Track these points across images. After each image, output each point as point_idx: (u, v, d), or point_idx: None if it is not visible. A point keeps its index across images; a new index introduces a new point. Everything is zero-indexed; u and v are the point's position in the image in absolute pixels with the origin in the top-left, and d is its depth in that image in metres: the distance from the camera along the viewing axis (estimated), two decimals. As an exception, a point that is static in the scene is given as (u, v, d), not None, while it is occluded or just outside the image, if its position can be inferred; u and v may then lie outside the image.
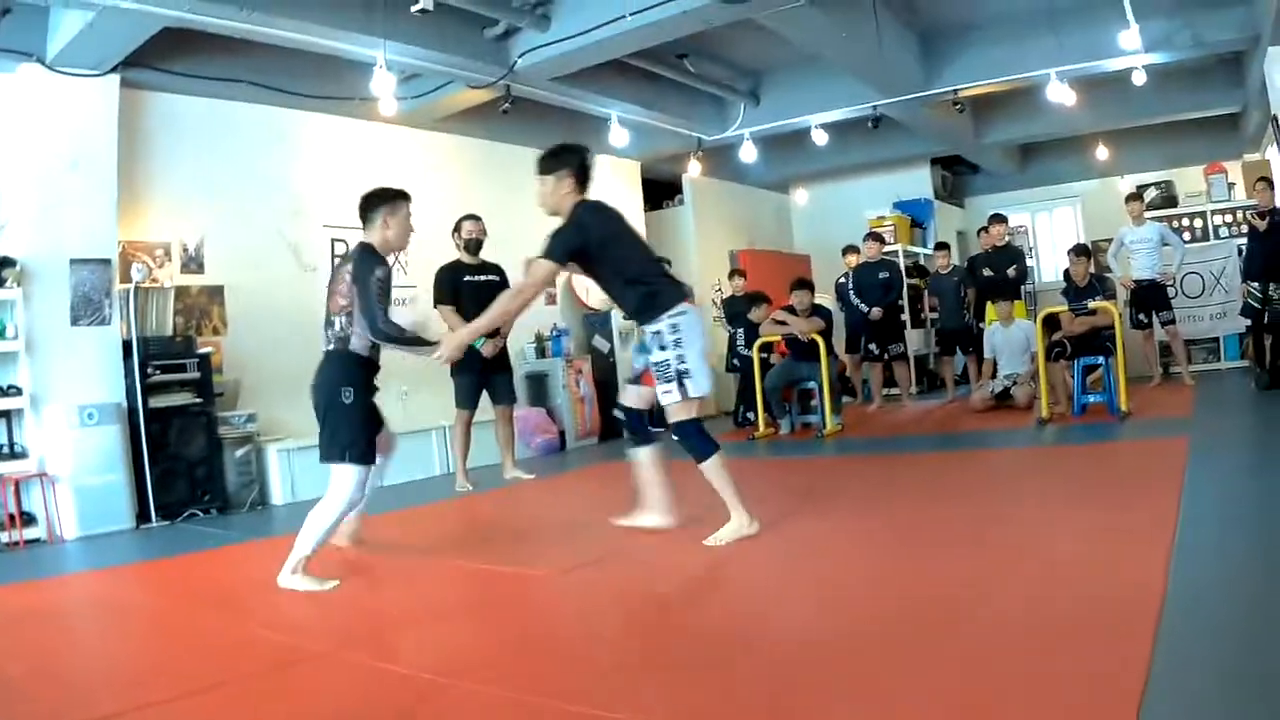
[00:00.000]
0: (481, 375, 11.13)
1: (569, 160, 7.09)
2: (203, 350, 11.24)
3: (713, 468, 6.95)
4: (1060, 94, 14.04)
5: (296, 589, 6.54)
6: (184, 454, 10.86)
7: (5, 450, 10.05)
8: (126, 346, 10.65)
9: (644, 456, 7.56)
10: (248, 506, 11.18)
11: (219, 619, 6.10)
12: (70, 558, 9.18)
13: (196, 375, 11.06)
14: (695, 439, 6.94)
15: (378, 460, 7.03)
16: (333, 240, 13.08)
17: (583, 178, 7.10)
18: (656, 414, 7.34)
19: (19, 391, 10.01)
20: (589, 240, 6.90)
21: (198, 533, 9.74)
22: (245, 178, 12.24)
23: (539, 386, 15.28)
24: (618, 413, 7.98)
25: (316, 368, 6.87)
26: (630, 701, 3.92)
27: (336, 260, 9.48)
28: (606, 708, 3.81)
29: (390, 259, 7.02)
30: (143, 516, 10.50)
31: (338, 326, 6.75)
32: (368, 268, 6.67)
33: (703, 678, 4.13)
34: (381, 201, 7.07)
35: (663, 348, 6.85)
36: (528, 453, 14.00)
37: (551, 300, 16.29)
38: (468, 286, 11.00)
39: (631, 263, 7.03)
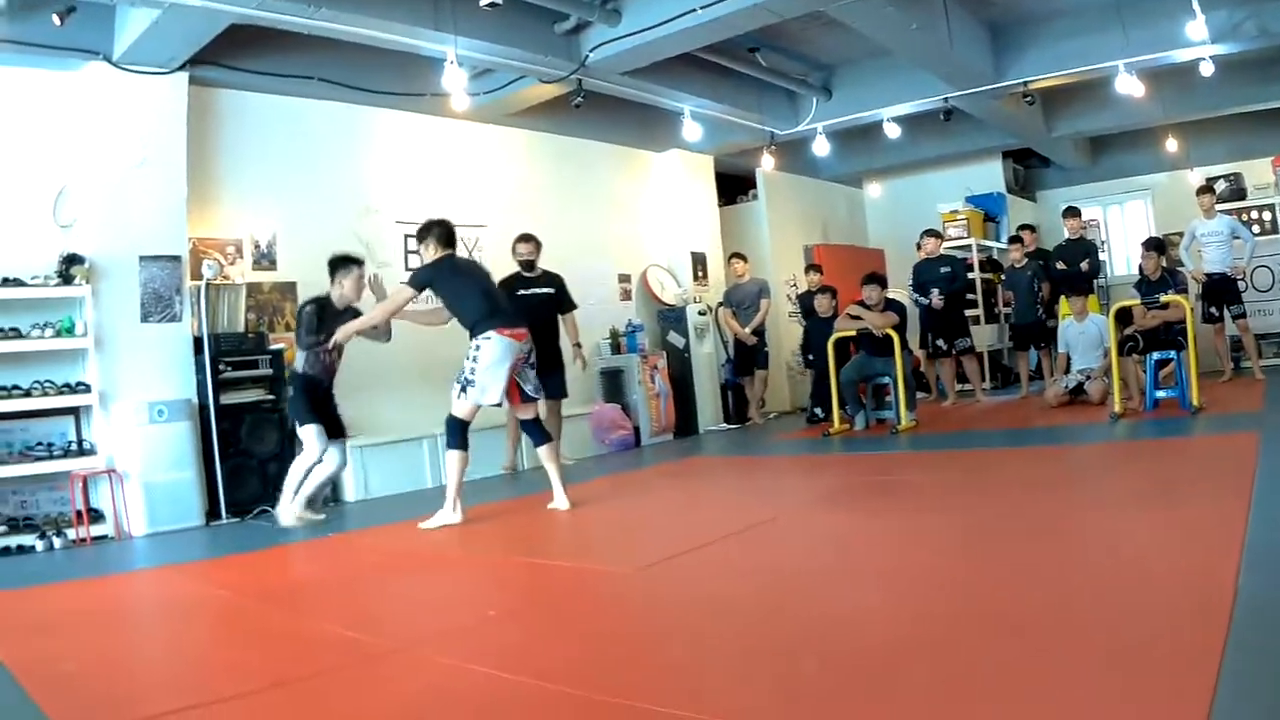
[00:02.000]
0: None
1: (431, 230, 8.92)
2: (275, 347, 10.92)
3: (450, 460, 8.65)
4: (1129, 86, 13.44)
5: (291, 522, 9.17)
6: (255, 450, 10.54)
7: (74, 447, 9.73)
8: (197, 343, 10.33)
9: (541, 454, 9.13)
10: (320, 504, 10.51)
11: (289, 616, 5.94)
12: (138, 554, 8.87)
13: (269, 372, 10.74)
14: (452, 434, 8.63)
15: (335, 454, 9.37)
16: (405, 236, 12.59)
17: (445, 240, 8.90)
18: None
19: (88, 388, 9.70)
20: (440, 274, 8.80)
21: (268, 529, 9.36)
22: (317, 174, 11.88)
23: (614, 383, 14.79)
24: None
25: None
26: (702, 700, 3.72)
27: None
28: (676, 706, 3.64)
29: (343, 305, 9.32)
30: (213, 514, 10.17)
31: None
32: (301, 308, 9.49)
33: (773, 676, 3.95)
34: (340, 265, 9.47)
35: (466, 358, 8.54)
36: (602, 449, 13.72)
37: (626, 296, 15.80)
38: (520, 300, 11.23)
39: (472, 299, 8.72)
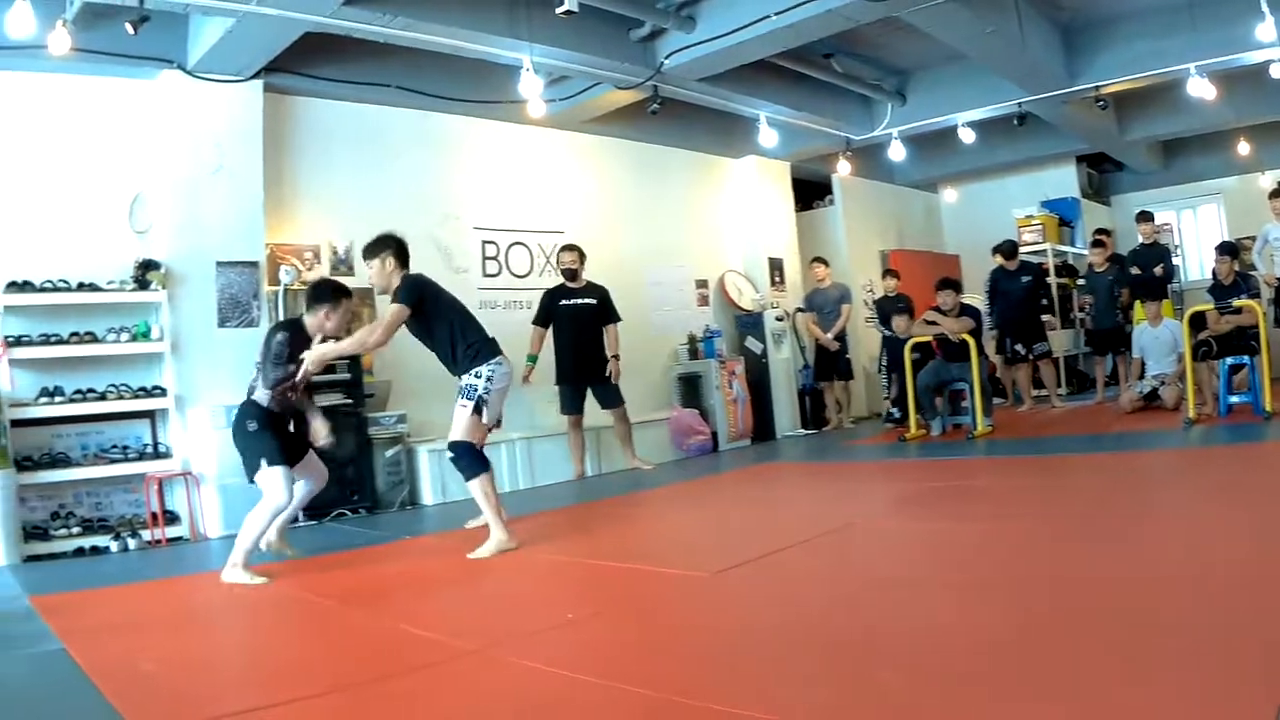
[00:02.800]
0: (579, 385, 11.71)
1: (388, 244, 7.70)
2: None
3: (478, 486, 7.40)
4: (1199, 89, 12.95)
5: (236, 582, 6.93)
6: (333, 454, 9.88)
7: (149, 450, 9.56)
8: None
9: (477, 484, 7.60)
10: (397, 506, 10.60)
11: (366, 617, 5.84)
12: (213, 556, 8.42)
13: (347, 376, 10.43)
14: (467, 459, 7.46)
15: (302, 483, 7.56)
16: (483, 243, 12.46)
17: (402, 258, 7.71)
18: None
19: (164, 392, 9.53)
20: (425, 293, 7.57)
21: (345, 532, 9.22)
22: (394, 181, 11.61)
23: (691, 388, 14.34)
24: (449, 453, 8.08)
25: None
26: (777, 704, 3.57)
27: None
28: (752, 709, 3.48)
29: (318, 338, 7.42)
30: (290, 516, 9.58)
31: (253, 379, 7.45)
32: (271, 334, 7.45)
33: (847, 680, 3.84)
34: (326, 297, 7.55)
35: (476, 377, 7.46)
36: (680, 455, 13.36)
37: (704, 302, 15.39)
38: (562, 310, 11.62)
39: (460, 323, 7.65)
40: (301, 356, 7.20)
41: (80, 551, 8.84)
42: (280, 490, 7.11)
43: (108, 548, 8.92)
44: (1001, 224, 17.62)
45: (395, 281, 7.59)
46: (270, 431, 7.21)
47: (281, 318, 9.82)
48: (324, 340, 7.43)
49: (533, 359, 11.50)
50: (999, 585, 5.11)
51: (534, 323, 11.70)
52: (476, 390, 7.40)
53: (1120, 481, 8.39)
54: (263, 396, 7.27)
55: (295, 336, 7.31)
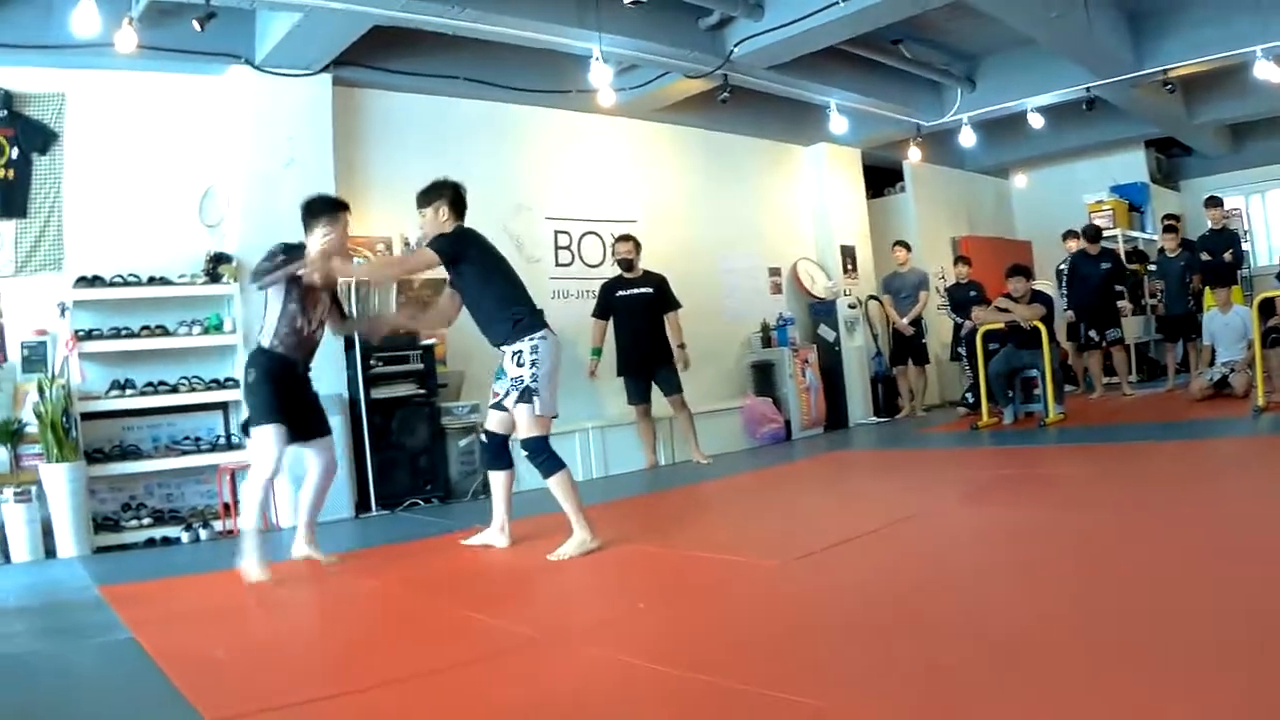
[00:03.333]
0: (642, 374, 11.32)
1: (443, 192, 7.05)
2: (426, 342, 10.39)
3: (557, 484, 6.71)
4: (1267, 71, 12.50)
5: (251, 580, 6.46)
6: (406, 444, 10.11)
7: (222, 441, 9.47)
8: (348, 339, 9.76)
9: (496, 479, 7.32)
10: (470, 496, 10.36)
11: (438, 605, 5.79)
12: (285, 546, 8.11)
13: (419, 367, 10.26)
14: (543, 455, 6.70)
15: (313, 467, 7.00)
16: (556, 232, 12.23)
17: (458, 207, 7.08)
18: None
19: (236, 384, 9.15)
20: (469, 250, 6.86)
21: (418, 521, 9.09)
22: (465, 172, 10.72)
23: (764, 376, 13.99)
24: (481, 437, 7.74)
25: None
26: (848, 693, 3.56)
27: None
28: (823, 698, 3.46)
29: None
30: (362, 506, 9.77)
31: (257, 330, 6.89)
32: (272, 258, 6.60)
33: (918, 671, 3.72)
34: (325, 210, 6.84)
35: (520, 365, 6.68)
36: (753, 443, 13.07)
37: (777, 289, 15.07)
38: (619, 301, 11.30)
39: (506, 288, 6.93)
40: (302, 274, 6.47)
41: (150, 542, 8.75)
42: (269, 452, 6.42)
43: (178, 538, 8.81)
44: (1072, 209, 17.19)
45: (448, 231, 6.92)
46: (271, 385, 6.53)
47: (354, 310, 9.64)
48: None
49: (597, 352, 11.31)
50: (1068, 575, 4.98)
51: (594, 315, 11.49)
52: (524, 382, 6.59)
53: (1189, 470, 8.16)
54: (268, 337, 6.65)
55: (294, 260, 6.51)
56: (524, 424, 6.68)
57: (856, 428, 14.38)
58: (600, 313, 11.43)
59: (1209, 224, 14.25)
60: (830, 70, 12.71)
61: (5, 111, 8.66)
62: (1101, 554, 5.33)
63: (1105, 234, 15.72)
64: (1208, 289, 13.37)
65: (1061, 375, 12.90)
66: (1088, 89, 13.78)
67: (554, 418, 6.87)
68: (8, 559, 8.10)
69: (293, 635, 5.50)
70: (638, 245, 11.38)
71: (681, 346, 11.25)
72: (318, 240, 6.59)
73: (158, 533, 8.84)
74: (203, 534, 8.85)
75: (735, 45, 11.16)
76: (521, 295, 6.95)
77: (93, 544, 8.41)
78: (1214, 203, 14.25)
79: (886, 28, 11.71)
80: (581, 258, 12.43)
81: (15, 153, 8.73)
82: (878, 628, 4.37)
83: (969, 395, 13.82)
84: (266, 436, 6.44)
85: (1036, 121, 14.76)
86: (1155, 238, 15.34)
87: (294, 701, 3.89)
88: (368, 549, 7.94)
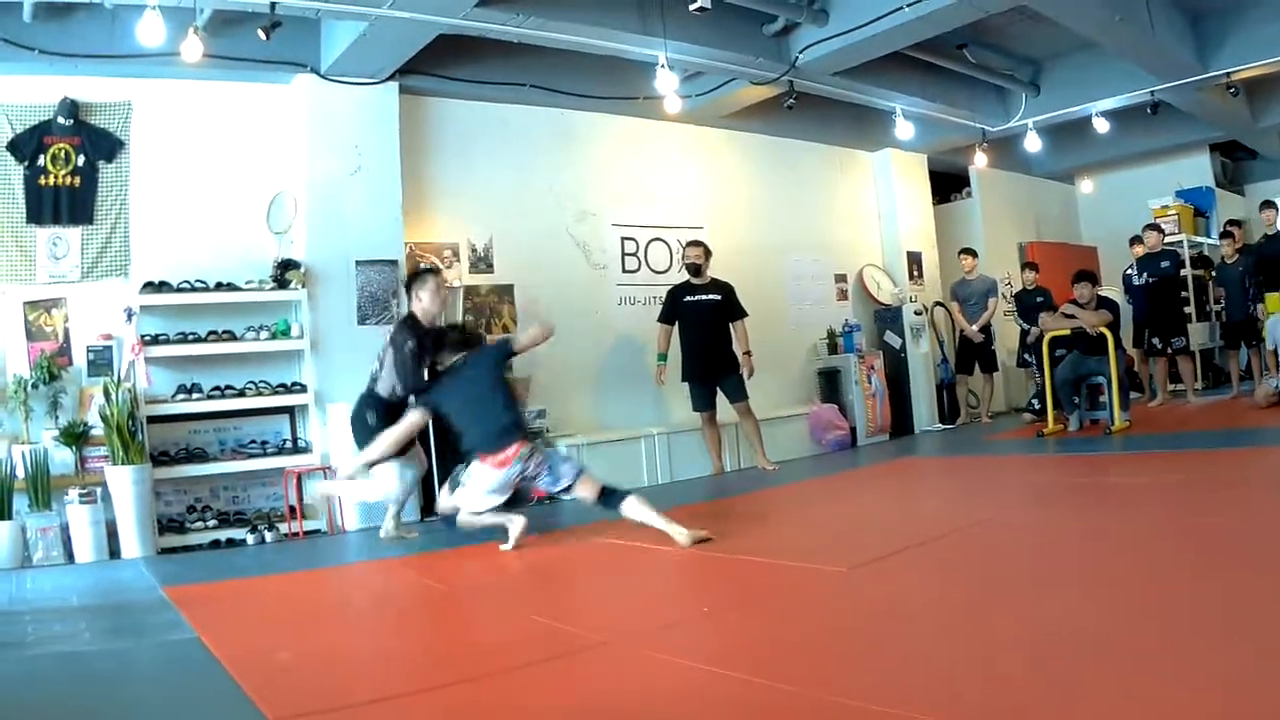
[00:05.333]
0: (707, 381, 10.85)
1: (428, 282, 7.78)
2: None
3: (633, 505, 6.81)
4: (1332, 73, 11.73)
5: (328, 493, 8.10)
6: None
7: (288, 445, 9.23)
8: None
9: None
10: (536, 501, 9.70)
11: (501, 608, 5.58)
12: (350, 548, 8.28)
13: None
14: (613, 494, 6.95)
15: (410, 471, 7.79)
16: (622, 239, 11.79)
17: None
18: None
19: (304, 388, 9.15)
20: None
21: (482, 525, 8.37)
22: (532, 179, 11.10)
23: (831, 382, 13.48)
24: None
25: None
26: (913, 699, 3.29)
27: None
28: (888, 704, 3.23)
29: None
30: (429, 510, 9.27)
31: (375, 369, 7.66)
32: (399, 340, 7.49)
33: (983, 678, 3.55)
34: (414, 279, 7.89)
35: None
36: (819, 449, 12.56)
37: (843, 296, 14.56)
38: (686, 307, 10.86)
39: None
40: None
41: (215, 544, 8.50)
42: (392, 483, 7.57)
43: (243, 540, 8.52)
44: (1137, 215, 16.40)
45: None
46: (385, 427, 7.26)
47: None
48: (433, 324, 7.68)
49: (662, 357, 10.83)
50: (1135, 583, 4.69)
51: (660, 320, 11.02)
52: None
53: (1255, 477, 7.79)
54: (385, 389, 7.51)
55: (417, 331, 7.49)
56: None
57: (922, 434, 13.90)
58: (666, 317, 10.97)
59: (1265, 228, 13.63)
60: (895, 75, 12.24)
61: (71, 120, 8.49)
62: (1170, 562, 5.10)
63: (1169, 239, 15.05)
64: (1268, 294, 12.75)
65: (1128, 382, 12.33)
66: (1151, 93, 13.14)
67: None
68: (72, 560, 7.85)
69: (358, 637, 5.30)
70: (708, 251, 10.94)
71: (748, 354, 10.81)
72: (420, 305, 7.66)
73: (223, 534, 8.57)
74: (268, 536, 8.54)
75: (800, 51, 10.72)
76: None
77: (157, 545, 8.16)
78: (1268, 205, 13.58)
79: (950, 32, 11.21)
80: (648, 264, 12.00)
81: (81, 160, 8.55)
82: (946, 635, 4.19)
83: (1035, 402, 13.29)
84: (391, 472, 7.59)
85: (1101, 126, 14.06)
86: (1220, 243, 14.57)
87: (358, 702, 3.75)
88: (435, 551, 7.70)
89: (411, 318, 7.65)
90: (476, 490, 7.01)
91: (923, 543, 6.17)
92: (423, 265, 8.32)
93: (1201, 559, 5.05)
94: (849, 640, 4.29)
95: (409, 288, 7.82)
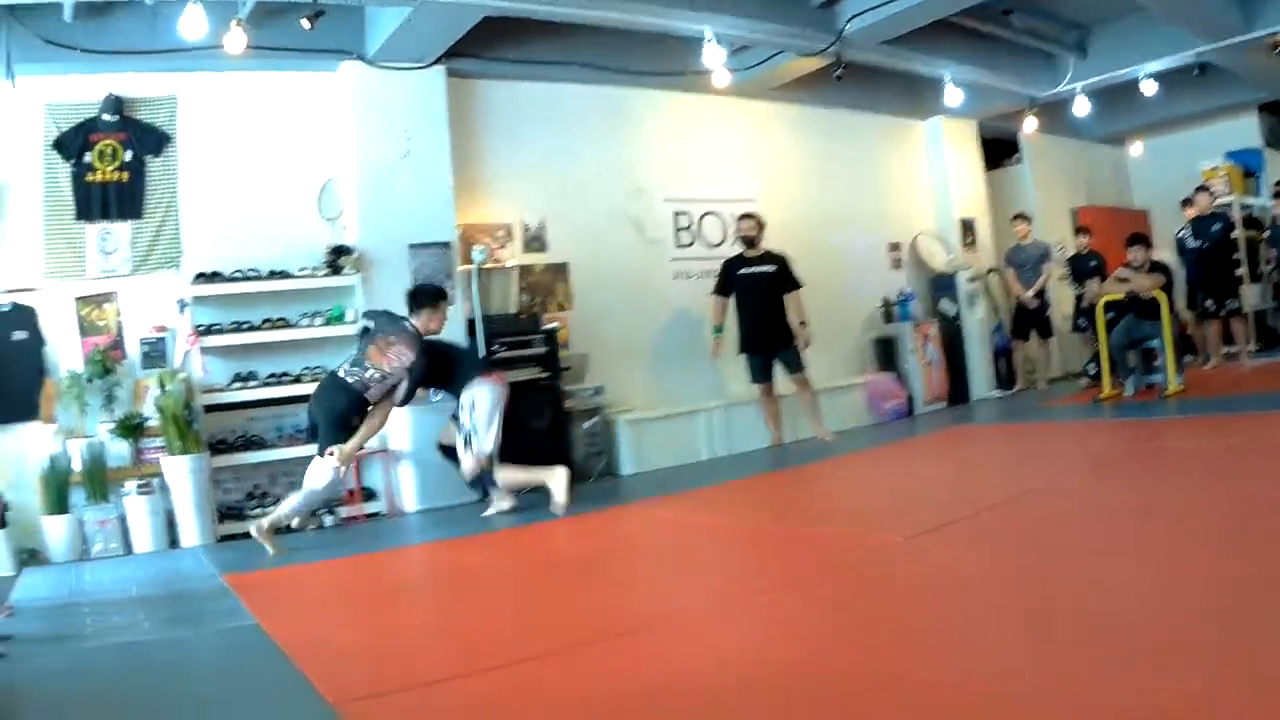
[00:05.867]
0: (763, 353, 10.64)
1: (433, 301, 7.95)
2: (549, 326, 9.86)
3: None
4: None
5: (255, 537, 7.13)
6: (531, 427, 9.38)
7: None
8: (470, 325, 9.45)
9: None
10: (595, 477, 9.84)
11: (560, 587, 5.54)
12: (410, 530, 8.24)
13: (542, 350, 9.69)
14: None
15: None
16: (675, 214, 11.48)
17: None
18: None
19: None
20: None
21: (544, 503, 8.32)
22: (583, 157, 10.83)
23: (886, 351, 13.18)
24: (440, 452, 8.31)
25: (324, 386, 7.56)
26: (971, 671, 3.32)
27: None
28: (946, 675, 3.24)
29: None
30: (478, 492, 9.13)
31: (367, 373, 7.34)
32: (419, 362, 7.50)
33: (1040, 647, 3.50)
34: (430, 299, 7.94)
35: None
36: (876, 419, 12.27)
37: (897, 265, 14.19)
38: (741, 279, 10.65)
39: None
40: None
41: (276, 530, 8.10)
42: (327, 478, 7.22)
43: (303, 526, 8.34)
44: (1188, 177, 15.82)
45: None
46: (354, 427, 7.31)
47: (476, 296, 9.46)
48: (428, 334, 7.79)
49: (718, 329, 10.59)
50: (1195, 549, 4.64)
51: (714, 292, 10.78)
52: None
53: None
54: (375, 395, 7.41)
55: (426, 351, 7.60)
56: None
57: (979, 402, 13.55)
58: (721, 289, 10.74)
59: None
60: (943, 43, 11.87)
61: (117, 116, 8.39)
62: (1225, 530, 4.96)
63: (1220, 201, 14.61)
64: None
65: (1181, 346, 11.91)
66: (1197, 54, 12.76)
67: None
68: (130, 551, 7.80)
69: (417, 618, 5.30)
70: (760, 223, 10.70)
71: (803, 324, 10.55)
72: (423, 322, 7.76)
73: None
74: (327, 521, 8.46)
75: (847, 22, 10.39)
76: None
77: (217, 533, 8.07)
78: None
79: (996, -2, 10.82)
80: (702, 238, 11.70)
81: (129, 155, 8.44)
82: (1001, 606, 4.16)
83: (1091, 367, 12.77)
84: (328, 468, 7.28)
85: (1149, 89, 13.62)
86: (1270, 204, 14.12)
87: (418, 684, 3.71)
88: (493, 531, 7.58)
89: (419, 336, 7.61)
90: (484, 416, 7.54)
91: (979, 512, 6.09)
92: (430, 285, 8.25)
93: (1258, 525, 4.90)
94: (906, 611, 4.25)
95: (420, 304, 7.84)
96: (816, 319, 10.83)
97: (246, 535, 7.80)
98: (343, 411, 7.25)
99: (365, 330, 7.65)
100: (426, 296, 7.88)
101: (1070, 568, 4.58)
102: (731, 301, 10.68)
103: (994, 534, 5.59)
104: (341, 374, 7.31)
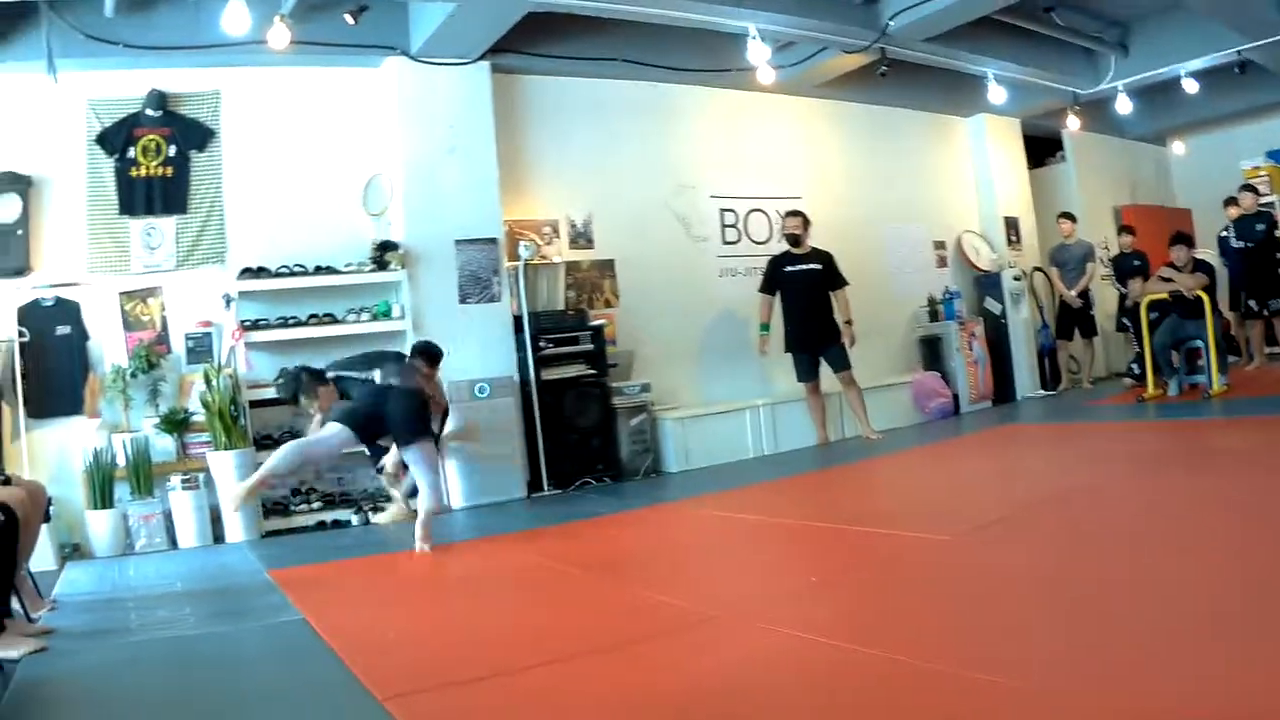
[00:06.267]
0: (810, 351, 10.45)
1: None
2: (595, 323, 9.71)
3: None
4: None
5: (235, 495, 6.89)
6: (577, 425, 9.34)
7: None
8: (517, 321, 9.31)
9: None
10: (642, 475, 9.60)
11: (611, 583, 5.43)
12: (458, 527, 7.93)
13: (589, 347, 9.52)
14: None
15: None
16: (721, 211, 11.26)
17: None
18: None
19: None
20: None
21: (590, 500, 8.53)
22: (627, 153, 10.64)
23: (932, 350, 12.89)
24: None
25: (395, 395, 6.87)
26: (1026, 669, 3.20)
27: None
28: (999, 674, 3.12)
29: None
30: (534, 486, 9.10)
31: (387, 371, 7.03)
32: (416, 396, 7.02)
33: (1089, 645, 3.32)
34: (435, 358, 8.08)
35: None
36: (922, 417, 12.00)
37: (942, 263, 13.91)
38: (786, 276, 10.50)
39: None
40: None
41: (321, 526, 8.29)
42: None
43: (348, 521, 8.30)
44: (1231, 176, 15.56)
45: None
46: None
47: (523, 292, 9.33)
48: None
49: (765, 327, 10.40)
50: (1240, 548, 4.48)
51: (761, 290, 10.60)
52: None
53: None
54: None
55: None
56: None
57: (1024, 401, 13.27)
58: (767, 287, 10.56)
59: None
60: (986, 40, 11.62)
61: (161, 111, 8.31)
62: (1267, 527, 4.81)
63: (1262, 201, 14.27)
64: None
65: (1225, 346, 11.58)
66: (1238, 52, 12.43)
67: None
68: (175, 545, 7.71)
69: (465, 615, 5.11)
70: (806, 221, 10.50)
71: (849, 323, 10.33)
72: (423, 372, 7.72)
73: (328, 516, 8.33)
74: (373, 517, 8.25)
75: (890, 19, 10.18)
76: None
77: (262, 529, 7.97)
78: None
79: (1037, -6, 10.58)
80: (749, 235, 11.48)
81: (173, 150, 8.37)
82: (1047, 604, 4.03)
83: (1134, 366, 12.51)
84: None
85: (1191, 87, 13.34)
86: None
87: (465, 679, 3.63)
88: (540, 528, 7.47)
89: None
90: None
91: (1024, 511, 6.05)
92: (436, 347, 8.14)
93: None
94: (954, 610, 4.15)
95: (420, 356, 7.92)
96: (861, 317, 10.61)
97: (292, 531, 7.87)
98: (420, 407, 6.92)
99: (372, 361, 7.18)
100: (431, 355, 8.03)
101: (1119, 566, 4.48)
102: (778, 300, 10.47)
103: (1042, 532, 5.50)
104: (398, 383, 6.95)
